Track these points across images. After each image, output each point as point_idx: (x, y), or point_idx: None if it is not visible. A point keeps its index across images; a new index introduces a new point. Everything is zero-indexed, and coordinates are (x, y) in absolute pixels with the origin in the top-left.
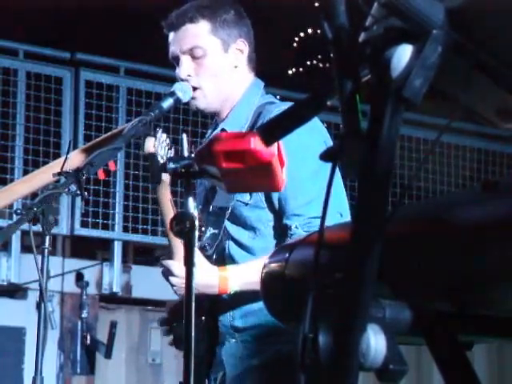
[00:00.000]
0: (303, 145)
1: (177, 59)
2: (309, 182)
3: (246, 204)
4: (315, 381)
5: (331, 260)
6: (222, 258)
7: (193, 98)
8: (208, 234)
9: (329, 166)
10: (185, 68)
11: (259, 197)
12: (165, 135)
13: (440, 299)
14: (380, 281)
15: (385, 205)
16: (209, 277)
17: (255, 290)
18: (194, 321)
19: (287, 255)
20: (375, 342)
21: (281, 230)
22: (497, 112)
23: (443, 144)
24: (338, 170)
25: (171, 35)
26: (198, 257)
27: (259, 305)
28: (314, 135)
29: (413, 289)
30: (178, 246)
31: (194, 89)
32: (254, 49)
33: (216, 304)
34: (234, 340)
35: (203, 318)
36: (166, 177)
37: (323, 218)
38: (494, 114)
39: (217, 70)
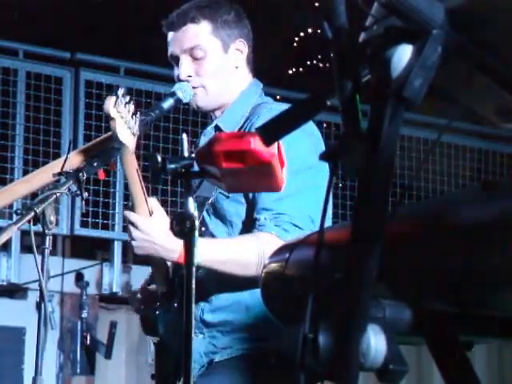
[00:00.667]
0: (289, 143)
1: (176, 59)
2: (286, 179)
3: (227, 197)
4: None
5: (331, 260)
6: None
7: (193, 96)
8: None
9: (311, 170)
10: (185, 69)
11: None
12: (128, 97)
13: (440, 299)
14: (380, 281)
15: (385, 205)
16: (171, 240)
17: (217, 268)
18: (192, 324)
19: (287, 255)
20: (375, 342)
21: (250, 224)
22: (497, 112)
23: (443, 144)
24: (326, 176)
25: (170, 35)
26: (166, 218)
27: (229, 300)
28: (303, 138)
29: (413, 289)
30: (141, 198)
31: (195, 87)
32: (253, 50)
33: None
34: (201, 335)
35: (176, 304)
36: (129, 143)
37: (323, 218)
38: (493, 114)
39: (217, 70)
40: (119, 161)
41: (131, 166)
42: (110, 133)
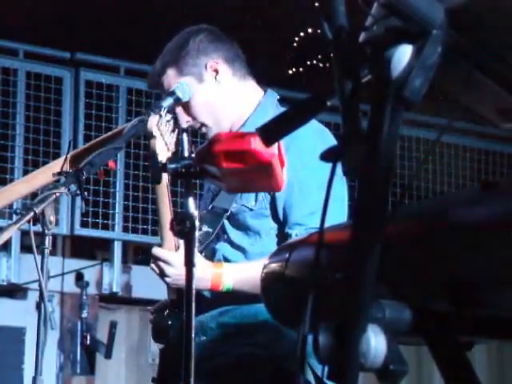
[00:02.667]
0: (315, 155)
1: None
2: (316, 192)
3: (251, 210)
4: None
5: (331, 260)
6: (209, 258)
7: (204, 130)
8: (202, 231)
9: (339, 179)
10: (181, 118)
11: (264, 204)
12: (170, 116)
13: (440, 299)
14: (380, 281)
15: (385, 205)
16: (203, 270)
17: (248, 291)
18: (193, 323)
19: (287, 255)
20: (375, 342)
21: (283, 239)
22: (497, 112)
23: (443, 144)
24: (346, 185)
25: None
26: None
27: (240, 305)
28: (327, 146)
29: (413, 289)
30: (169, 235)
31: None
32: (235, 55)
33: (199, 303)
34: (204, 337)
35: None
36: (165, 176)
37: (323, 217)
38: (494, 114)
39: (205, 102)
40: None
41: (163, 188)
42: (109, 133)
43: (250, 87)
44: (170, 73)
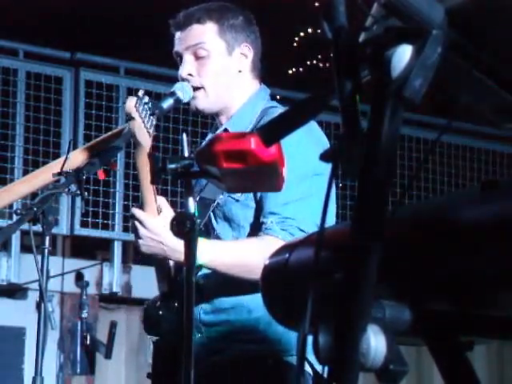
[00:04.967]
0: (298, 148)
1: (180, 58)
2: (293, 184)
3: (237, 200)
4: None
5: (331, 260)
6: None
7: (193, 98)
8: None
9: (319, 177)
10: (187, 67)
11: (250, 195)
12: (147, 98)
13: (440, 299)
14: (380, 281)
15: (385, 205)
16: (178, 241)
17: (222, 271)
18: (192, 315)
19: (287, 255)
20: (375, 342)
21: (256, 227)
22: (497, 112)
23: (443, 144)
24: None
25: (177, 34)
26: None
27: (231, 303)
28: (312, 144)
29: (413, 289)
30: (150, 197)
31: (196, 89)
32: (260, 57)
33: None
34: (199, 335)
35: (176, 304)
36: (145, 142)
37: (323, 217)
38: (493, 114)
39: (219, 71)
40: (136, 158)
41: (145, 166)
42: (109, 133)
43: (255, 87)
44: (211, 27)
